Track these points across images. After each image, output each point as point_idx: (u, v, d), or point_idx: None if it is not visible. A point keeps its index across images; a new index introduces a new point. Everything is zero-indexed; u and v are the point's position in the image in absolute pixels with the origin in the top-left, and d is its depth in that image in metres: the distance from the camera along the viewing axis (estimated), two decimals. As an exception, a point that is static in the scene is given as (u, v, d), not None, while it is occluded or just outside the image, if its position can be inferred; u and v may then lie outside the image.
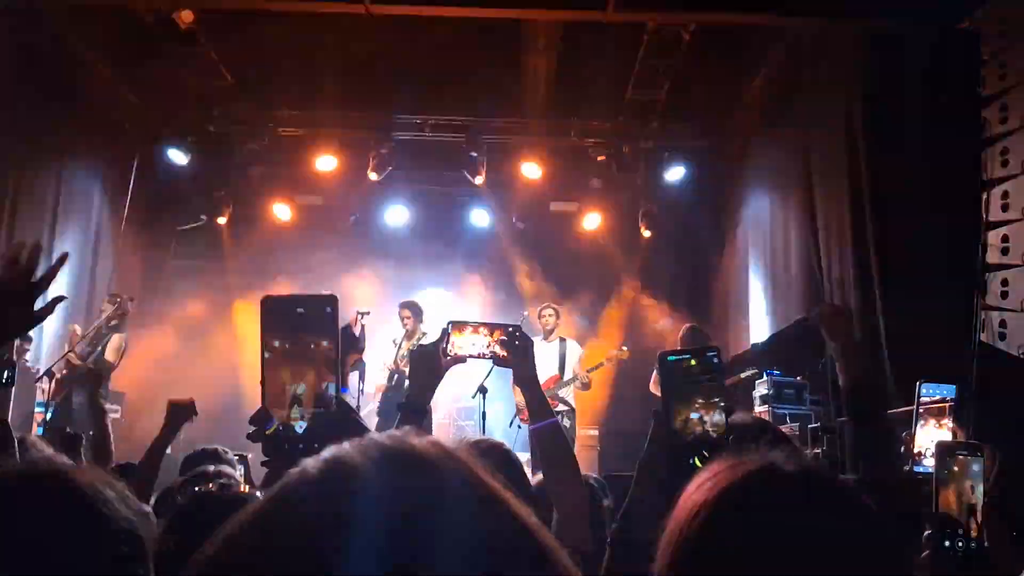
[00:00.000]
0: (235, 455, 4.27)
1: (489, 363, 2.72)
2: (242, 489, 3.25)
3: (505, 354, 2.67)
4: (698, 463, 2.05)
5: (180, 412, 3.86)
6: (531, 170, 12.36)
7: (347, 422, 1.52)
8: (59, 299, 2.05)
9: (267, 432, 1.51)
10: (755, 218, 11.50)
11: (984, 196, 6.51)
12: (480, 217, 13.51)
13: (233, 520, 0.74)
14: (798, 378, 9.57)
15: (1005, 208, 6.33)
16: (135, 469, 3.75)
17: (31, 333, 9.39)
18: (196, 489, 2.55)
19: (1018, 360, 6.03)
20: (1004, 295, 6.27)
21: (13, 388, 3.60)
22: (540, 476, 2.83)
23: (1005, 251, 6.31)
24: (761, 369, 9.48)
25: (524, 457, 7.95)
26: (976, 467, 2.40)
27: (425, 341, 9.85)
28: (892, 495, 2.79)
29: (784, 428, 8.33)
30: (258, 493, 2.39)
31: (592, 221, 13.51)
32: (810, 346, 9.53)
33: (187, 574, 0.73)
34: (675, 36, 9.60)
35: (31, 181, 9.95)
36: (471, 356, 2.67)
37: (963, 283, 6.67)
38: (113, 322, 9.63)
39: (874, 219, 7.87)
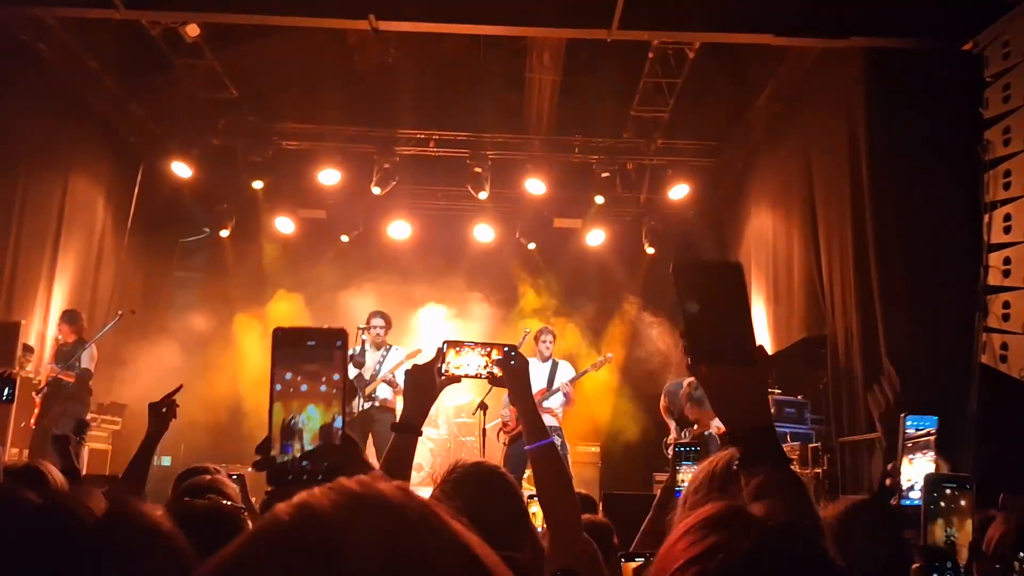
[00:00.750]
0: (234, 475, 4.24)
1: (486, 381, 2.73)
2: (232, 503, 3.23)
3: (501, 374, 2.67)
4: None
5: (160, 414, 3.65)
6: (535, 186, 12.37)
7: (350, 455, 1.53)
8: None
9: (272, 462, 1.53)
10: (758, 236, 11.49)
11: (986, 218, 6.52)
12: (483, 233, 13.51)
13: (206, 565, 0.75)
14: (799, 397, 9.56)
15: (1007, 230, 6.34)
16: (119, 481, 3.65)
17: (33, 344, 9.42)
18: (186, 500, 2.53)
19: (1018, 383, 6.02)
20: (1006, 317, 6.27)
21: (13, 404, 3.59)
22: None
23: (1007, 273, 6.31)
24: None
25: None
26: (964, 501, 2.39)
27: (395, 356, 9.85)
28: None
29: (785, 447, 8.31)
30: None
31: (596, 237, 13.51)
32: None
33: None
34: (679, 54, 9.63)
35: (36, 192, 9.97)
36: (466, 376, 2.67)
37: (965, 305, 6.67)
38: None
39: (876, 240, 7.87)
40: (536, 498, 2.83)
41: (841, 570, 1.15)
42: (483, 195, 12.35)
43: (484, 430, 9.34)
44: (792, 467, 1.51)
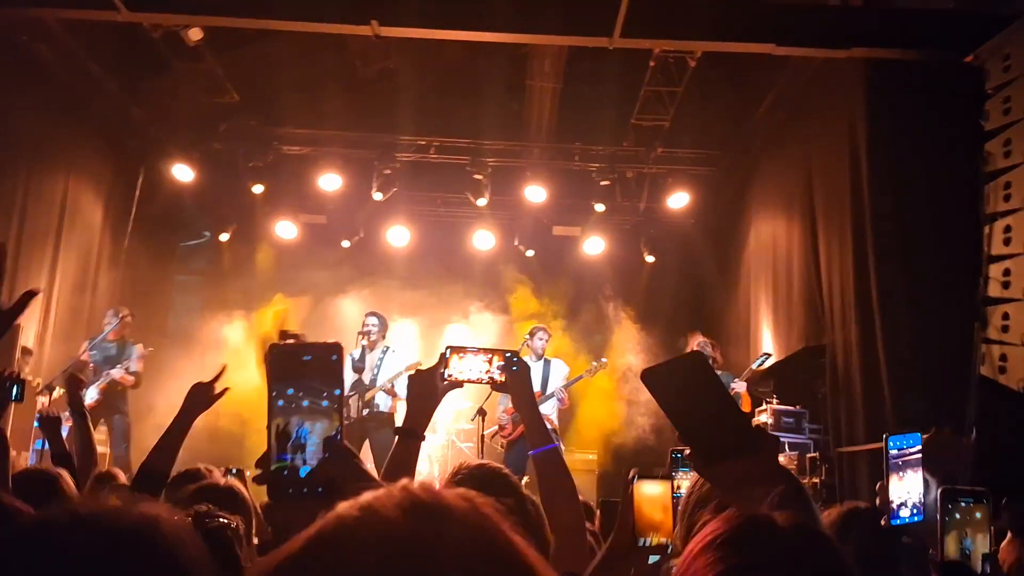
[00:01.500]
0: (233, 469, 4.27)
1: (488, 387, 2.74)
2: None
3: (503, 379, 2.69)
4: None
5: (205, 396, 3.58)
6: (534, 194, 12.38)
7: (350, 467, 1.54)
8: (31, 293, 2.02)
9: (272, 475, 1.54)
10: (758, 245, 11.50)
11: (986, 230, 6.53)
12: (483, 240, 13.51)
13: (271, 558, 0.76)
14: (798, 407, 9.56)
15: (1007, 242, 6.35)
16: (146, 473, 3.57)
17: (30, 346, 9.41)
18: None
19: (1018, 394, 6.03)
20: (1005, 329, 6.27)
21: (13, 404, 3.58)
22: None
23: (1007, 285, 6.32)
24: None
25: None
26: (979, 513, 2.39)
27: (392, 359, 9.84)
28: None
29: (782, 457, 8.32)
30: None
31: (595, 245, 13.51)
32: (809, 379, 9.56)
33: None
34: (680, 62, 9.64)
35: (37, 194, 9.97)
36: (469, 381, 2.69)
37: (964, 316, 6.68)
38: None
39: (876, 250, 7.88)
40: None
41: None
42: (482, 202, 12.36)
43: (483, 436, 9.33)
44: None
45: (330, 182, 12.35)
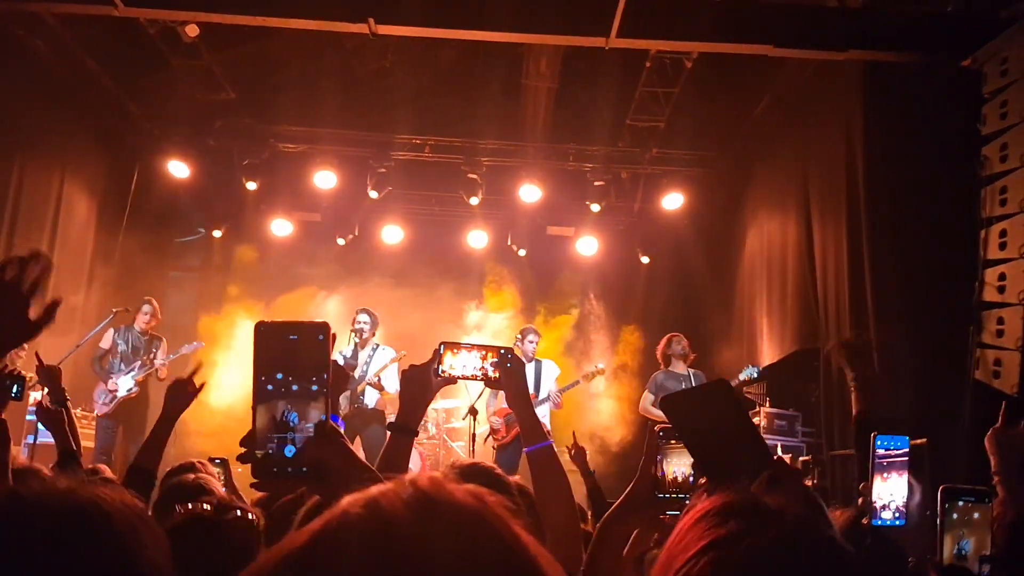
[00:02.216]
0: (216, 459, 4.24)
1: (480, 385, 2.75)
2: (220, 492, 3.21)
3: (497, 376, 2.68)
4: None
5: (182, 394, 3.62)
6: (529, 193, 12.36)
7: (335, 447, 1.52)
8: (56, 303, 2.01)
9: (257, 455, 1.52)
10: (752, 247, 11.50)
11: (982, 234, 6.53)
12: (476, 239, 13.51)
13: (270, 557, 0.74)
14: (791, 410, 9.56)
15: (1003, 247, 6.35)
16: (135, 470, 3.59)
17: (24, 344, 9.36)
18: (189, 507, 2.50)
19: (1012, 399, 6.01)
20: (1000, 333, 6.27)
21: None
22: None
23: (1002, 289, 6.32)
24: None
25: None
26: (978, 513, 2.38)
27: (381, 356, 9.82)
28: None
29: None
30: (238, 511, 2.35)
31: (589, 246, 13.51)
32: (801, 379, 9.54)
33: None
34: (676, 63, 9.64)
35: (31, 189, 9.95)
36: (463, 377, 2.68)
37: (959, 320, 6.68)
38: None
39: (871, 253, 7.88)
40: None
41: (860, 568, 1.14)
42: (474, 200, 12.32)
43: (474, 435, 9.32)
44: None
45: (325, 180, 12.34)
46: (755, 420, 9.40)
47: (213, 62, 10.33)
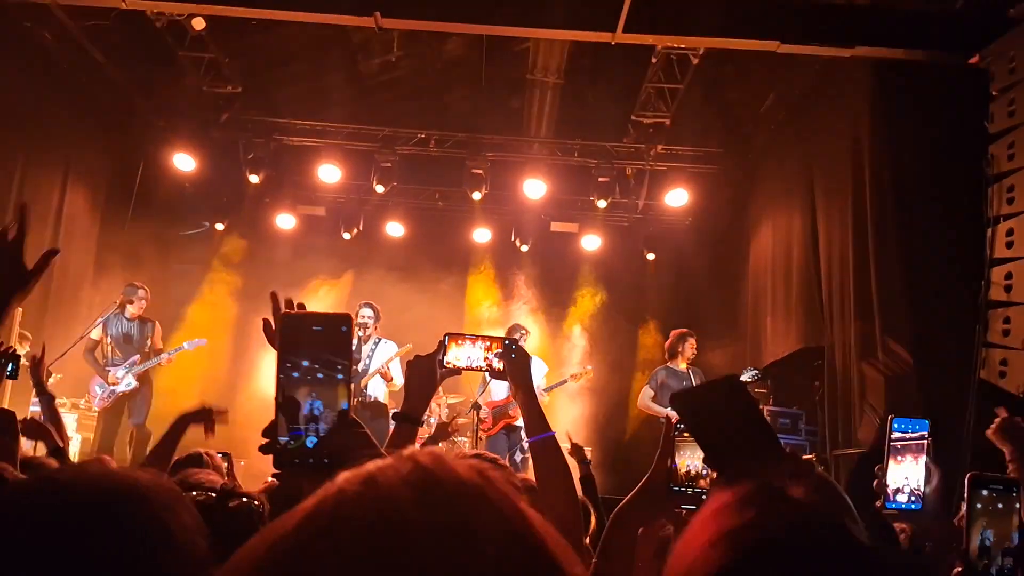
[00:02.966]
0: (221, 453, 4.25)
1: (483, 379, 2.76)
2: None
3: (500, 367, 2.69)
4: None
5: (193, 421, 3.72)
6: (533, 189, 12.34)
7: (357, 439, 1.53)
8: (52, 252, 2.06)
9: (278, 446, 1.53)
10: (757, 244, 11.48)
11: (989, 232, 6.50)
12: (480, 234, 13.51)
13: (262, 538, 0.72)
14: (794, 408, 9.55)
15: (1010, 245, 6.32)
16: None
17: (27, 333, 9.38)
18: (194, 495, 2.49)
19: (1018, 399, 5.99)
20: (1006, 333, 6.25)
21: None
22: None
23: (1008, 289, 6.29)
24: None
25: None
26: (1002, 504, 2.35)
27: (384, 349, 9.82)
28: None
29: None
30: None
31: (592, 242, 13.50)
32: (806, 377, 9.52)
33: None
34: (683, 59, 9.61)
35: (36, 180, 9.95)
36: (467, 368, 2.70)
37: (964, 320, 6.65)
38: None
39: (876, 252, 7.86)
40: None
41: (881, 559, 1.12)
42: (477, 195, 12.29)
43: (476, 429, 9.33)
44: None
45: (330, 174, 12.34)
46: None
47: (219, 55, 10.33)
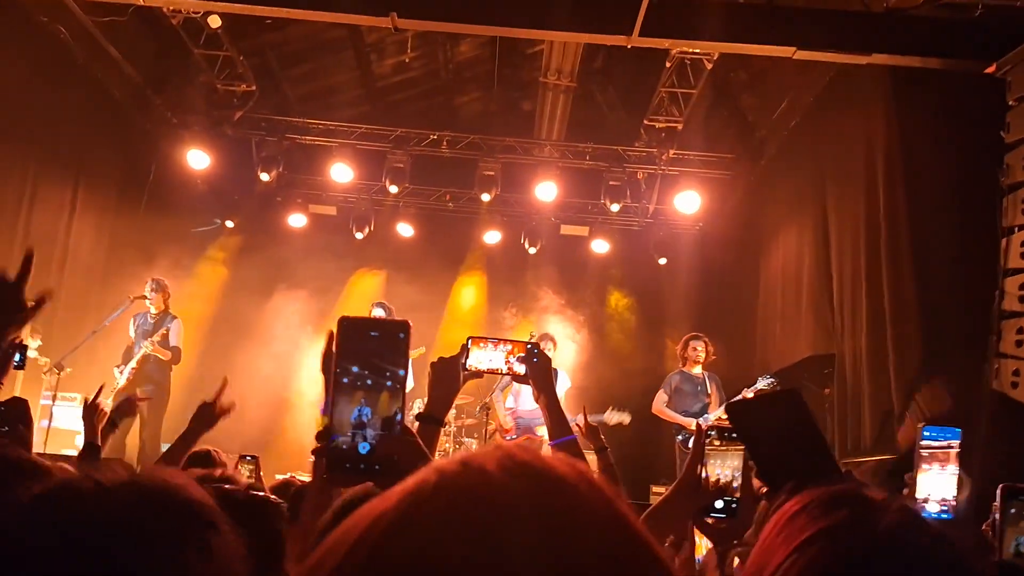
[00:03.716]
0: (248, 456, 4.28)
1: (494, 381, 2.77)
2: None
3: (522, 370, 2.70)
4: None
5: (203, 417, 3.74)
6: (543, 192, 12.33)
7: (409, 447, 1.53)
8: (29, 254, 2.14)
9: (332, 449, 1.55)
10: (768, 251, 11.46)
11: (1003, 243, 6.48)
12: (490, 236, 13.51)
13: (362, 517, 0.73)
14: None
15: (1024, 256, 6.31)
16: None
17: (37, 327, 9.40)
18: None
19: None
20: (1019, 343, 6.23)
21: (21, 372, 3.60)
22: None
23: (1022, 299, 6.27)
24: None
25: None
26: None
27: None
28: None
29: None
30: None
31: (602, 246, 13.49)
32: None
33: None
34: (696, 64, 9.60)
35: (50, 175, 9.98)
36: (489, 371, 2.72)
37: (978, 330, 6.63)
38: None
39: (889, 260, 7.84)
40: None
41: (969, 558, 1.12)
42: (486, 197, 12.27)
43: (487, 431, 9.33)
44: None
45: (342, 173, 12.34)
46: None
47: (234, 53, 10.35)
